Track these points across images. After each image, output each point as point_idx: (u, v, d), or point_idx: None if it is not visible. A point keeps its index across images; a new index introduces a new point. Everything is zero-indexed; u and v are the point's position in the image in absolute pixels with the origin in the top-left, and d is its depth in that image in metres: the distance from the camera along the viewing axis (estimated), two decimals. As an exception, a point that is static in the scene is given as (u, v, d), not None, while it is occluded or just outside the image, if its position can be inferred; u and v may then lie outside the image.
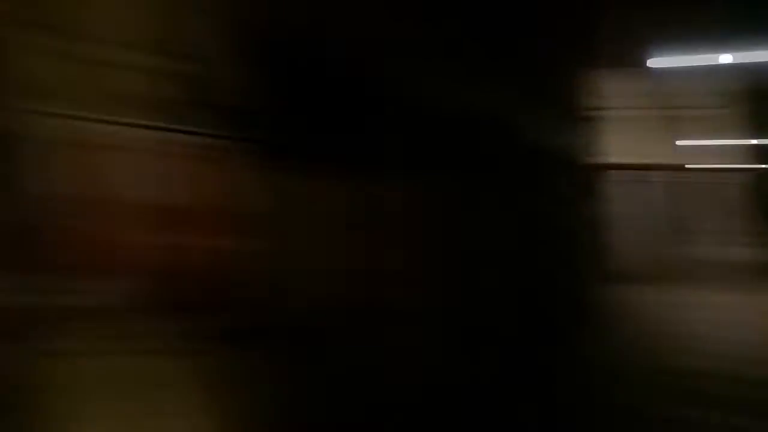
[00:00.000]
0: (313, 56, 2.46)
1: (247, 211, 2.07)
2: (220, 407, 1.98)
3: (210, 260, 2.08)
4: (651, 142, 14.76)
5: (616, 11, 11.33)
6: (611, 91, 12.32)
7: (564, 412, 4.86)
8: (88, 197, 1.63)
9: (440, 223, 3.42)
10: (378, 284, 2.91)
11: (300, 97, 2.47)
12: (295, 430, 2.33)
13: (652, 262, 15.67)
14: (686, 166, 15.06)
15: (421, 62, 3.38)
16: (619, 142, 13.64)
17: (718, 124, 14.43)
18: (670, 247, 20.70)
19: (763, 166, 16.15)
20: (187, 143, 1.97)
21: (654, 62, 12.66)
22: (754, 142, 15.24)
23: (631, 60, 13.33)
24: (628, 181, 13.66)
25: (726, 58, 9.68)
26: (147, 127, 1.86)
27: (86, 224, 1.67)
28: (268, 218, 2.31)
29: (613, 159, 13.38)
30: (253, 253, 2.19)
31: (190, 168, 2.02)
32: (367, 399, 2.74)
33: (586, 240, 8.20)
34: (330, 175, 2.54)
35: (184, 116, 1.97)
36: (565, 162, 7.07)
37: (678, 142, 14.74)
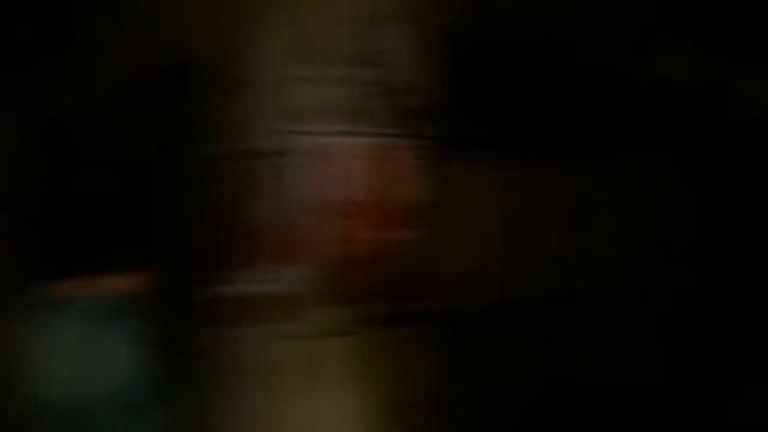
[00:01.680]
0: (503, 46, 2.51)
1: (423, 204, 2.23)
2: (383, 387, 2.11)
3: (389, 251, 2.21)
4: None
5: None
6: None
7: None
8: (323, 200, 1.88)
9: (643, 208, 3.40)
10: (562, 272, 2.97)
11: (489, 87, 2.55)
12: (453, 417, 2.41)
13: None
14: None
15: (622, 35, 3.35)
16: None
17: None
18: None
19: None
20: (381, 145, 2.12)
21: None
22: None
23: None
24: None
25: None
26: (355, 133, 2.04)
27: (320, 223, 1.91)
28: (444, 209, 2.40)
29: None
30: (428, 242, 2.29)
31: (379, 167, 2.16)
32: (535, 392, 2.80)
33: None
34: (521, 164, 2.63)
35: (384, 120, 2.12)
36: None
37: None
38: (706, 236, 4.41)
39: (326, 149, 1.86)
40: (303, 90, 1.82)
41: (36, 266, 2.16)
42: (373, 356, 2.28)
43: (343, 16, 2.12)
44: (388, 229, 2.31)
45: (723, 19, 5.01)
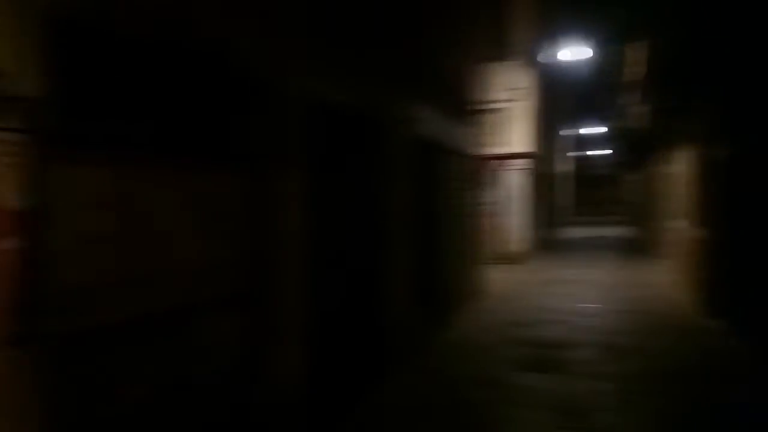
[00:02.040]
0: (125, 44, 2.55)
1: (24, 209, 2.06)
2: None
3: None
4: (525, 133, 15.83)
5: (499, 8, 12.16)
6: (497, 84, 13.26)
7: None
8: None
9: (270, 215, 3.69)
10: (190, 281, 3.08)
11: (104, 84, 2.50)
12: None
13: (531, 242, 17.03)
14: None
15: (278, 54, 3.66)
16: (505, 133, 14.66)
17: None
18: (545, 228, 22.32)
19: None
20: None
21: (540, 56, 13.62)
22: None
23: (516, 53, 14.41)
24: (511, 170, 14.69)
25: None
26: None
27: None
28: (52, 215, 2.20)
29: (497, 149, 14.40)
30: (34, 252, 2.09)
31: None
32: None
33: (467, 224, 8.91)
34: (143, 167, 2.71)
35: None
36: (451, 153, 7.68)
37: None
38: (328, 239, 5.00)
39: None
40: None
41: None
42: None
43: None
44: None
45: (375, 47, 5.79)
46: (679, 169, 11.22)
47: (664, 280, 11.46)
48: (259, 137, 3.51)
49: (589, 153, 44.03)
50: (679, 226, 10.96)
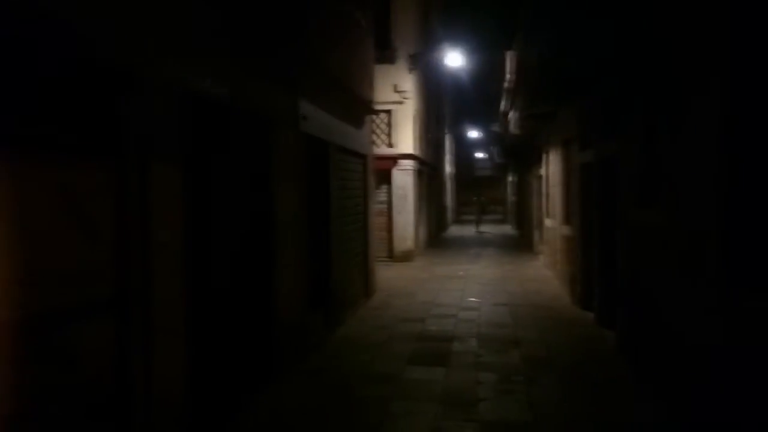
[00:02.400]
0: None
1: None
2: None
3: None
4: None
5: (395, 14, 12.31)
6: (386, 86, 13.50)
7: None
8: None
9: (154, 209, 3.49)
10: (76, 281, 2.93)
11: None
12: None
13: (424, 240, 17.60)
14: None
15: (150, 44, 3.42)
16: (393, 134, 14.96)
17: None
18: (434, 227, 23.19)
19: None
20: None
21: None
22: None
23: (401, 57, 14.74)
24: (401, 170, 15.02)
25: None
26: None
27: None
28: None
29: (387, 150, 14.68)
30: None
31: None
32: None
33: (359, 223, 8.97)
34: (27, 163, 2.53)
35: None
36: (343, 152, 7.66)
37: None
38: (210, 238, 4.83)
39: None
40: None
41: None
42: None
43: None
44: None
45: (256, 39, 5.60)
46: (550, 171, 12.09)
47: (544, 275, 12.29)
48: (129, 131, 3.29)
49: (475, 155, 46.28)
50: (552, 225, 11.81)
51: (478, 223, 28.08)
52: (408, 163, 15.13)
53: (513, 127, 13.22)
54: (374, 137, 12.64)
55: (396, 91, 14.81)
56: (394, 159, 14.83)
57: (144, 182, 3.37)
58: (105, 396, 3.12)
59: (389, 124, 15.01)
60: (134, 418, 3.29)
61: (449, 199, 31.18)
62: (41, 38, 2.66)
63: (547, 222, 12.87)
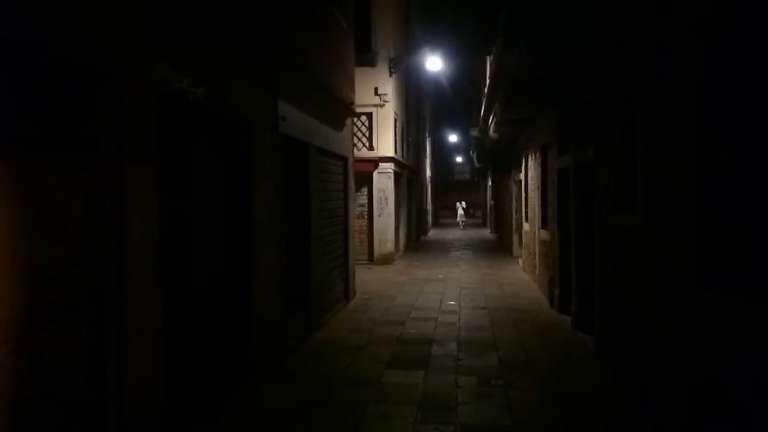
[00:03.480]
0: None
1: None
2: None
3: None
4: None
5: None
6: (367, 89, 13.50)
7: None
8: None
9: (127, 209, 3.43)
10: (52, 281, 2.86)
11: None
12: None
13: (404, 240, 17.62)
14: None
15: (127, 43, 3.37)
16: (373, 137, 14.95)
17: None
18: (414, 230, 23.22)
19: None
20: None
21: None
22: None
23: (381, 60, 14.75)
24: (381, 173, 15.02)
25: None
26: None
27: None
28: None
29: (368, 153, 14.67)
30: None
31: None
32: None
33: (340, 226, 8.93)
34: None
35: None
36: (323, 154, 7.61)
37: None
38: (185, 239, 4.74)
39: None
40: None
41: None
42: None
43: None
44: None
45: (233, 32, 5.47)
46: (528, 176, 12.19)
47: (523, 279, 12.37)
48: (102, 128, 3.23)
49: (454, 159, 46.48)
50: (531, 229, 11.90)
51: (463, 222, 32.12)
52: (389, 166, 15.14)
53: (492, 132, 13.30)
54: (355, 140, 12.62)
55: (377, 94, 14.82)
56: (374, 162, 14.82)
57: (119, 182, 3.30)
58: (78, 399, 3.05)
59: (370, 127, 15.00)
60: (108, 421, 3.22)
61: (429, 202, 31.31)
62: (17, 36, 2.60)
63: (526, 226, 12.97)
